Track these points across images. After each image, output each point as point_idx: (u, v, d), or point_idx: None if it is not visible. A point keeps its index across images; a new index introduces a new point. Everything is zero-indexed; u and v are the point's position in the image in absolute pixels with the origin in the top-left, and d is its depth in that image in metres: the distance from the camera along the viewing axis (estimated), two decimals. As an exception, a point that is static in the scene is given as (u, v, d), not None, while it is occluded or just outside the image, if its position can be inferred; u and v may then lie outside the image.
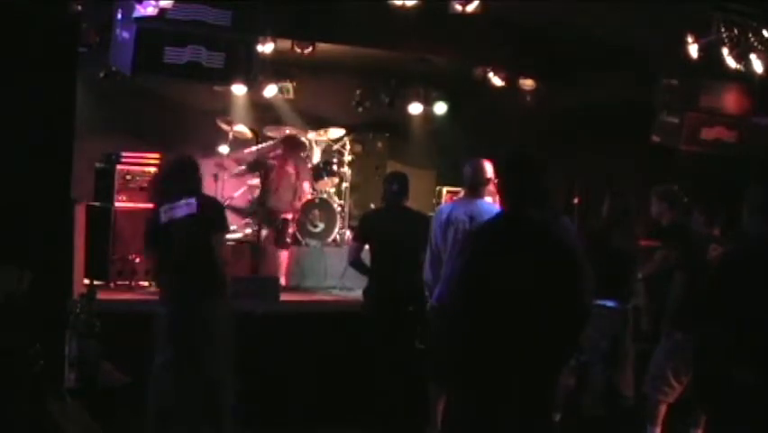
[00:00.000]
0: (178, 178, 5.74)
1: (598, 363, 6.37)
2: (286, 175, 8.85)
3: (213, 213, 5.77)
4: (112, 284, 7.82)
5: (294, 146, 9.20)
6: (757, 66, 7.30)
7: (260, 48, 7.61)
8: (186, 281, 5.61)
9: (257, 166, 8.91)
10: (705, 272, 5.90)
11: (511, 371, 3.65)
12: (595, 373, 6.41)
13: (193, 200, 5.63)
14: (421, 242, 6.12)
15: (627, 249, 6.46)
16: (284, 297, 7.76)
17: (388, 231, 6.50)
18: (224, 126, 9.35)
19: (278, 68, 9.23)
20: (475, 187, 5.94)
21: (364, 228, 6.79)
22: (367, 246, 6.71)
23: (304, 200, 9.15)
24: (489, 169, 5.84)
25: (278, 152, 9.15)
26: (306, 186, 9.27)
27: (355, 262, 6.75)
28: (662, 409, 6.40)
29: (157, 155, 8.39)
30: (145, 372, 5.50)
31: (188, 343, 5.57)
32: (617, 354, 6.37)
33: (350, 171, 9.76)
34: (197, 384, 5.63)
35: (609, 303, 6.31)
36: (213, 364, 5.60)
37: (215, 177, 9.22)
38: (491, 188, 5.76)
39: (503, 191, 3.92)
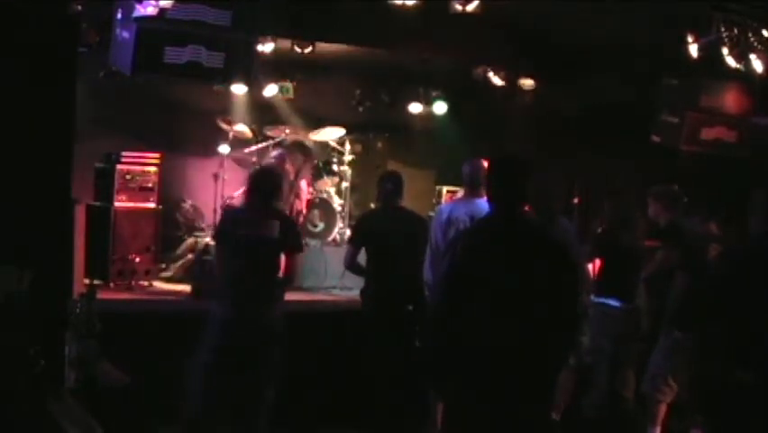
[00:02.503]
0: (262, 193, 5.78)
1: (602, 365, 6.36)
2: (284, 173, 8.84)
3: (292, 236, 5.87)
4: (112, 284, 7.81)
5: (299, 150, 9.27)
6: (757, 66, 7.29)
7: (260, 48, 7.62)
8: (247, 289, 5.66)
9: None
10: (705, 272, 5.91)
11: (504, 371, 3.64)
12: (599, 375, 6.40)
13: (276, 223, 5.67)
14: (418, 241, 6.12)
15: (635, 248, 6.46)
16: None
17: (384, 231, 6.48)
18: (224, 126, 9.36)
19: (278, 68, 9.22)
20: (474, 186, 5.94)
21: (360, 233, 6.73)
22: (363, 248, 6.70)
23: (302, 199, 9.15)
24: (487, 168, 5.85)
25: (279, 151, 9.15)
26: (304, 185, 9.27)
27: (352, 267, 6.72)
28: (662, 409, 6.40)
29: (157, 155, 8.39)
30: (146, 371, 5.49)
31: (241, 345, 5.60)
32: (620, 354, 6.37)
33: (350, 171, 9.76)
34: (238, 386, 5.66)
35: (614, 302, 6.30)
36: (265, 367, 5.66)
37: (215, 177, 9.23)
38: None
39: (490, 192, 3.95)
